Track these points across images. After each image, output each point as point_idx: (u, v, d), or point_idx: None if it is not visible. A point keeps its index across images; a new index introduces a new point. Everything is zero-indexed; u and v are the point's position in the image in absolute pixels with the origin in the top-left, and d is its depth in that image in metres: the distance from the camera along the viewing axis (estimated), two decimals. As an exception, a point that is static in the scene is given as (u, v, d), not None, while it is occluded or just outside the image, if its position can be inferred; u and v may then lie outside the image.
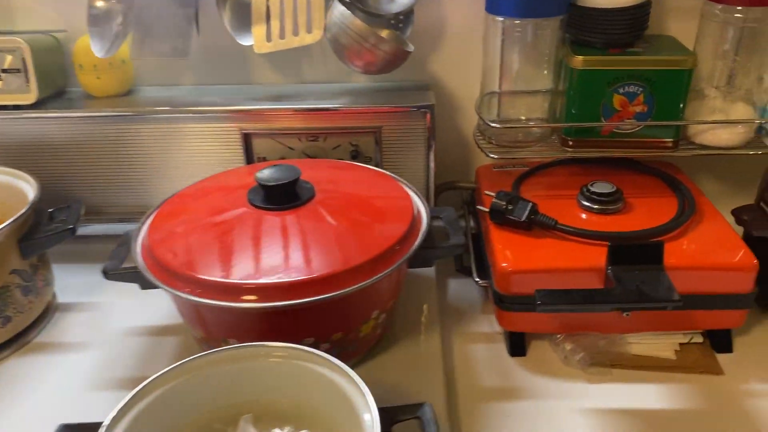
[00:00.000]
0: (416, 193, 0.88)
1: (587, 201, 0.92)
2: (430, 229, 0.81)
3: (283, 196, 0.78)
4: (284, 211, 0.78)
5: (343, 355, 0.79)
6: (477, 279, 0.91)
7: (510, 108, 1.04)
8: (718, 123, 0.95)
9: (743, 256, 0.82)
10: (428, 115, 0.97)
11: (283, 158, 1.01)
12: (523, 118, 1.03)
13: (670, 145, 0.96)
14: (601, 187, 0.92)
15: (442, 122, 1.11)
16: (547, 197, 0.96)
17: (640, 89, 0.92)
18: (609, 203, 0.91)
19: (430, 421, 0.56)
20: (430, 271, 1.00)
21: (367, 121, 0.99)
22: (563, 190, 0.98)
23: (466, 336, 0.92)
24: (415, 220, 0.80)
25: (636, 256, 0.79)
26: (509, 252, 0.85)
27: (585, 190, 0.93)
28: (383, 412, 0.58)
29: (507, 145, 1.00)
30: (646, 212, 0.91)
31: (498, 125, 0.97)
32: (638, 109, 0.93)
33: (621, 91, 0.92)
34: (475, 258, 0.95)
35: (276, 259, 0.71)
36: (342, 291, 0.68)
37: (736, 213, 0.92)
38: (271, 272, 0.69)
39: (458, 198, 1.12)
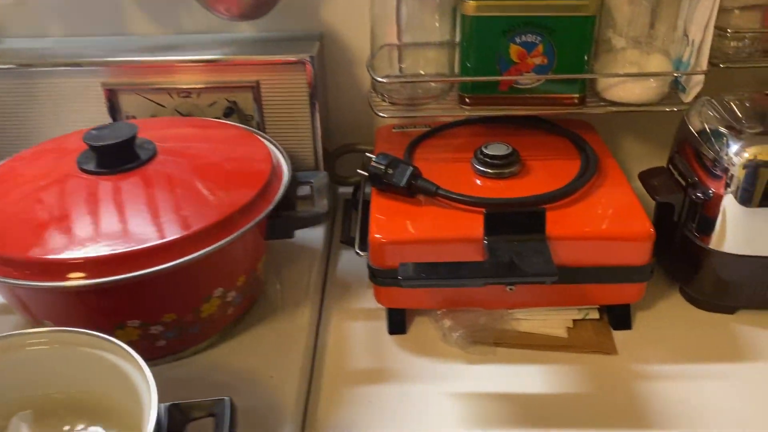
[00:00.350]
0: (283, 156, 0.79)
1: (481, 165, 0.83)
2: (289, 196, 0.73)
3: (114, 159, 0.69)
4: (114, 175, 0.68)
5: (186, 339, 0.71)
6: (358, 251, 0.83)
7: (408, 62, 0.94)
8: (625, 76, 0.85)
9: (638, 224, 0.74)
10: (308, 67, 0.87)
11: (154, 116, 0.91)
12: (422, 72, 0.94)
13: (576, 101, 0.87)
14: (496, 149, 0.83)
15: (339, 77, 1.01)
16: (442, 160, 0.88)
17: (539, 39, 0.82)
18: (503, 166, 0.82)
19: (224, 420, 0.48)
20: (316, 242, 0.91)
21: (243, 75, 0.89)
22: (460, 153, 0.89)
23: (347, 313, 0.84)
24: (268, 185, 0.71)
25: (514, 225, 0.71)
26: (384, 221, 0.77)
27: (479, 152, 0.84)
28: (176, 409, 0.50)
29: (402, 103, 0.91)
30: (544, 177, 0.83)
31: (385, 80, 0.88)
32: (537, 61, 0.84)
33: (518, 41, 0.83)
34: (360, 227, 0.87)
35: (87, 231, 0.62)
36: (158, 267, 0.60)
37: (643, 177, 0.83)
38: (80, 245, 0.61)
39: (360, 162, 1.03)
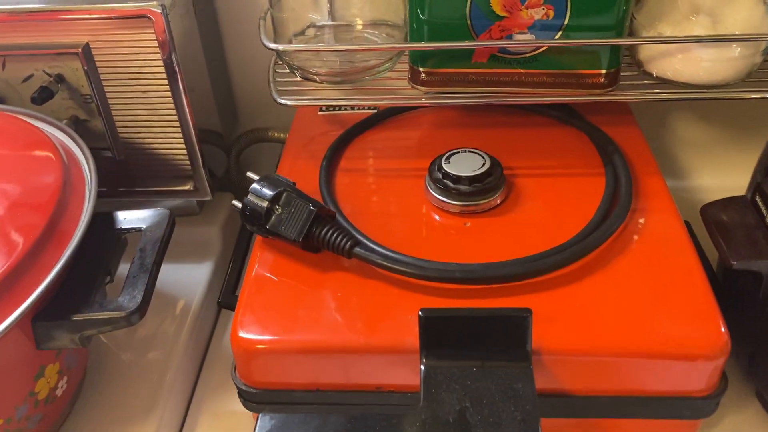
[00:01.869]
0: (87, 169, 0.47)
1: (439, 190, 0.50)
2: (90, 262, 0.41)
3: None
4: None
5: None
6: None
7: (342, 9, 0.60)
8: (687, 41, 0.50)
9: (701, 326, 0.41)
10: (159, 22, 0.53)
11: (-60, 99, 0.59)
12: (358, 23, 0.60)
13: (603, 80, 0.52)
14: (462, 164, 0.50)
15: (240, 27, 0.67)
16: (381, 174, 0.55)
17: (541, -25, 0.48)
18: (473, 195, 0.49)
19: None
20: (193, 289, 0.60)
21: (65, 35, 0.56)
22: (412, 160, 0.56)
23: (218, 418, 0.54)
24: (41, 246, 0.39)
25: (475, 334, 0.39)
26: (260, 302, 0.45)
27: (437, 167, 0.51)
28: None
29: (322, 80, 0.57)
30: (538, 212, 0.50)
31: (279, 47, 0.53)
32: (538, 14, 0.49)
33: (503, -22, 0.48)
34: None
35: None
36: None
37: (710, 217, 0.50)
38: None
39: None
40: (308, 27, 0.61)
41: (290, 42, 0.57)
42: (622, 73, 0.53)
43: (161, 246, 0.45)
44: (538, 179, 0.53)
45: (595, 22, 0.49)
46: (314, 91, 0.57)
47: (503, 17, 0.49)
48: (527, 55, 0.51)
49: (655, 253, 0.46)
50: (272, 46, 0.52)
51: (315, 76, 0.56)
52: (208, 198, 0.62)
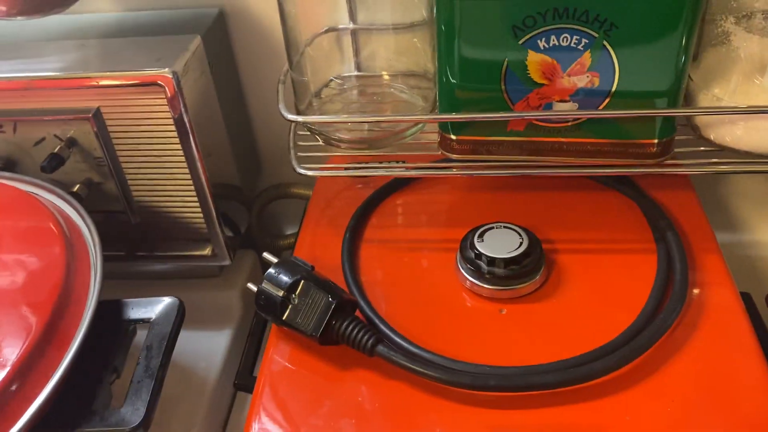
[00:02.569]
0: (94, 254, 0.44)
1: (471, 269, 0.46)
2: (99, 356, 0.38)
3: None
4: None
5: None
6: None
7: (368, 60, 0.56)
8: (751, 112, 0.45)
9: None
10: (170, 88, 0.50)
11: (-49, 163, 0.57)
12: (385, 77, 0.55)
13: (654, 150, 0.47)
14: (496, 244, 0.45)
15: (262, 95, 0.63)
16: (410, 247, 0.51)
17: (585, 40, 0.42)
18: (509, 280, 0.45)
19: None
20: (212, 366, 0.57)
21: (75, 100, 0.53)
22: (444, 230, 0.52)
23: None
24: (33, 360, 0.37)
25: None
26: (274, 405, 0.42)
27: (468, 244, 0.47)
28: None
29: (346, 147, 0.53)
30: (583, 300, 0.45)
31: (299, 119, 0.49)
32: (582, 81, 0.44)
33: (542, 45, 0.43)
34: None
35: None
36: None
37: (777, 303, 0.45)
38: None
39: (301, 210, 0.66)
40: (336, 78, 0.57)
41: (311, 102, 0.54)
42: (674, 143, 0.49)
43: (169, 344, 0.41)
44: (581, 256, 0.48)
45: (646, 88, 0.44)
46: (338, 156, 0.53)
47: (543, 84, 0.44)
48: (569, 124, 0.46)
49: (715, 354, 0.41)
50: (291, 117, 0.48)
51: (339, 143, 0.52)
52: (227, 263, 0.59)
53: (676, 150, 0.48)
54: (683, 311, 0.43)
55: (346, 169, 0.52)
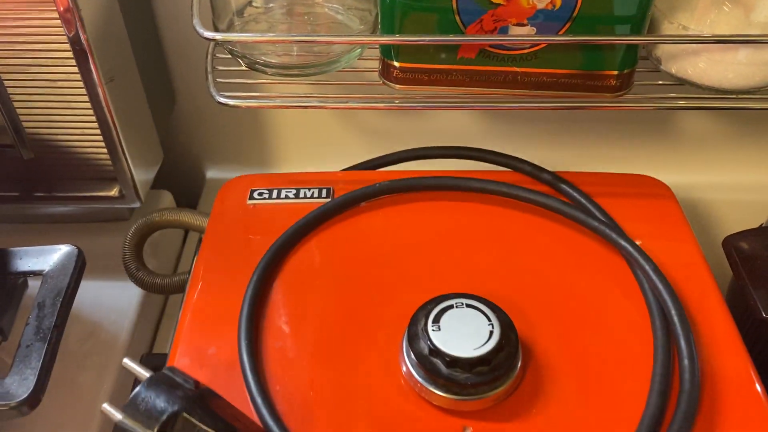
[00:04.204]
0: None
1: (423, 369, 0.34)
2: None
3: None
4: None
5: None
6: None
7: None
8: (716, 41, 0.41)
9: None
10: None
11: None
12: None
13: (614, 83, 0.43)
14: (459, 329, 0.35)
15: (176, 16, 0.55)
16: (334, 328, 0.39)
17: (548, -46, 0.38)
18: (476, 387, 0.34)
19: None
20: None
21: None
22: (385, 299, 0.40)
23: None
24: None
25: None
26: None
27: (419, 330, 0.35)
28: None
29: (270, 71, 0.46)
30: (567, 409, 0.35)
31: (217, 36, 0.42)
32: (542, 2, 0.40)
33: (501, -43, 0.38)
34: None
35: None
36: None
37: (732, 248, 0.42)
38: None
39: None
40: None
41: (233, 22, 0.47)
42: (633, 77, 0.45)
43: (65, 300, 0.35)
44: (562, 337, 0.38)
45: (611, 12, 0.40)
46: (264, 85, 0.47)
47: (498, 5, 0.39)
48: (525, 51, 0.41)
49: None
50: (208, 35, 0.41)
51: (265, 68, 0.45)
52: (137, 205, 0.52)
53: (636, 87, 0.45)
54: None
55: (271, 99, 0.45)
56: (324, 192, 0.45)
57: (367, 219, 0.44)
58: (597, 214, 0.42)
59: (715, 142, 0.60)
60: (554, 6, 0.39)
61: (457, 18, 0.40)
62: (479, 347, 0.34)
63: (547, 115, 0.60)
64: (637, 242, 0.40)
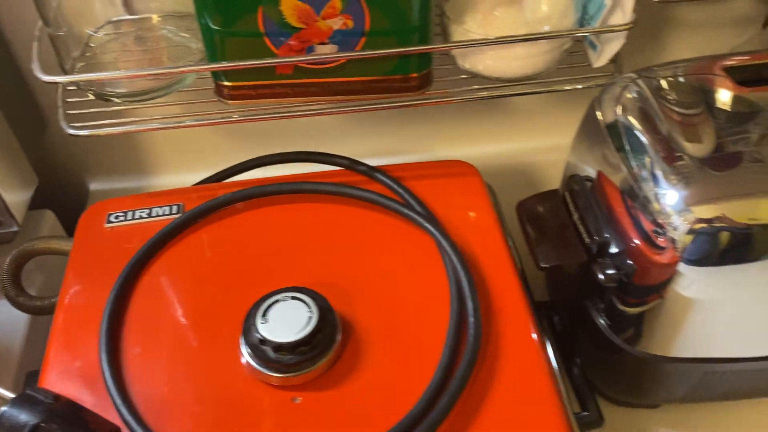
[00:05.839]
0: None
1: (257, 357, 0.41)
2: None
3: None
4: None
5: None
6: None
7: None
8: (482, 44, 0.48)
9: None
10: None
11: None
12: (155, 19, 0.54)
13: (415, 84, 0.50)
14: (284, 319, 0.41)
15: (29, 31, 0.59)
16: (182, 329, 0.45)
17: (332, -15, 0.44)
18: (299, 365, 0.41)
19: None
20: None
21: None
22: (227, 302, 0.46)
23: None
24: None
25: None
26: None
27: (251, 326, 0.42)
28: None
29: (120, 99, 0.51)
30: (382, 371, 0.42)
31: (59, 80, 0.47)
32: (336, 24, 0.46)
33: (293, -10, 0.44)
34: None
35: None
36: None
37: (523, 212, 0.50)
38: None
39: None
40: (105, 24, 0.55)
41: (84, 53, 0.51)
42: (439, 68, 0.52)
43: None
44: (377, 311, 0.45)
45: (396, 26, 0.46)
46: (115, 112, 0.51)
47: (300, 28, 0.46)
48: (333, 64, 0.48)
49: (513, 405, 0.41)
50: (47, 79, 0.46)
51: (113, 97, 0.50)
52: (15, 229, 0.57)
53: (444, 79, 0.52)
54: (479, 363, 0.41)
55: (120, 126, 0.51)
56: (175, 208, 0.51)
57: (214, 229, 0.50)
58: (408, 198, 0.50)
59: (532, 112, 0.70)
60: (348, 26, 0.46)
61: (267, 41, 0.46)
62: (299, 332, 0.40)
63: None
64: (442, 219, 0.48)
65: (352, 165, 0.52)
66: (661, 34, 0.66)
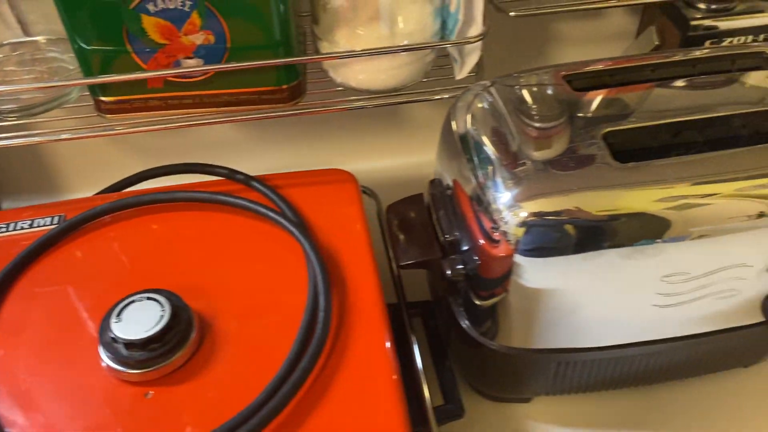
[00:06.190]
0: None
1: (111, 355, 0.43)
2: None
3: None
4: None
5: None
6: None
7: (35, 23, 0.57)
8: (345, 56, 0.51)
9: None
10: None
11: None
12: (41, 41, 0.57)
13: (286, 95, 0.53)
14: (137, 319, 0.43)
15: None
16: (47, 338, 0.46)
17: (189, 2, 0.46)
18: (151, 361, 0.43)
19: None
20: None
21: None
22: (88, 307, 0.48)
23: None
24: None
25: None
26: None
27: (104, 326, 0.43)
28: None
29: (12, 117, 0.53)
30: (235, 365, 0.44)
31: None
32: (198, 39, 0.49)
33: (152, 8, 0.46)
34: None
35: None
36: None
37: (391, 213, 0.53)
38: None
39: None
40: (2, 45, 0.58)
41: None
42: (318, 81, 0.55)
43: None
44: (236, 308, 0.47)
45: (257, 41, 0.49)
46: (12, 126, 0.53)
47: (165, 44, 0.48)
48: (201, 78, 0.50)
49: (356, 398, 0.43)
50: None
51: (9, 114, 0.53)
52: None
53: (321, 91, 0.55)
54: (328, 356, 0.44)
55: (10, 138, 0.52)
56: (56, 219, 0.53)
57: (92, 238, 0.52)
58: (280, 204, 0.52)
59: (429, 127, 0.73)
60: (210, 41, 0.48)
61: (135, 57, 0.49)
62: (149, 329, 0.42)
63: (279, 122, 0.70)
64: (313, 224, 0.51)
65: (230, 174, 0.55)
66: (546, 48, 0.70)
